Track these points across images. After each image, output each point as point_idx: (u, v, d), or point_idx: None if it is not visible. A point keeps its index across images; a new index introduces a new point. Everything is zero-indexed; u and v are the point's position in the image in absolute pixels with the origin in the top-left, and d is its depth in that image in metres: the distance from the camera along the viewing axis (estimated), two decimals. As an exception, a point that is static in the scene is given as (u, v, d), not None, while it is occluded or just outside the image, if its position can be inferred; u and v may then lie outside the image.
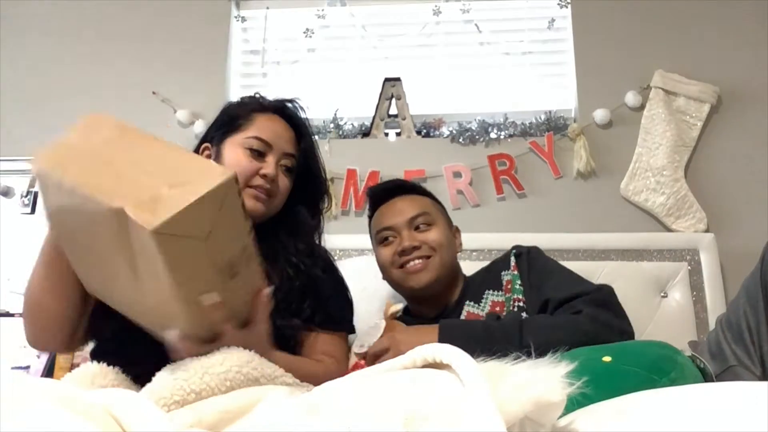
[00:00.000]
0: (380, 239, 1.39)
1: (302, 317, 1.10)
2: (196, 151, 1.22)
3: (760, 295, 1.01)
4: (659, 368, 0.85)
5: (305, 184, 1.23)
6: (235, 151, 1.15)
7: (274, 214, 1.18)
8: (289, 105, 1.24)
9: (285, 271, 1.11)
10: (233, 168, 1.12)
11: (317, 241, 1.27)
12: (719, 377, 1.03)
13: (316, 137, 2.28)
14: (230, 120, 1.19)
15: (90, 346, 1.09)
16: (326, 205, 1.30)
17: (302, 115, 1.25)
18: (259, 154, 1.14)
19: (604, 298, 1.13)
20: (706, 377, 0.92)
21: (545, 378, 0.49)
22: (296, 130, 1.22)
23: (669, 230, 2.12)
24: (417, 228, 1.36)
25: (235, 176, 0.77)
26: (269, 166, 1.14)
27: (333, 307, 1.16)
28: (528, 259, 1.31)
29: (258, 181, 1.13)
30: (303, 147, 1.22)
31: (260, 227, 1.19)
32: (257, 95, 1.27)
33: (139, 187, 0.74)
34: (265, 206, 1.15)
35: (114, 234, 0.74)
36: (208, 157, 1.19)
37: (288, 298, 1.08)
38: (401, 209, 1.38)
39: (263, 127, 1.17)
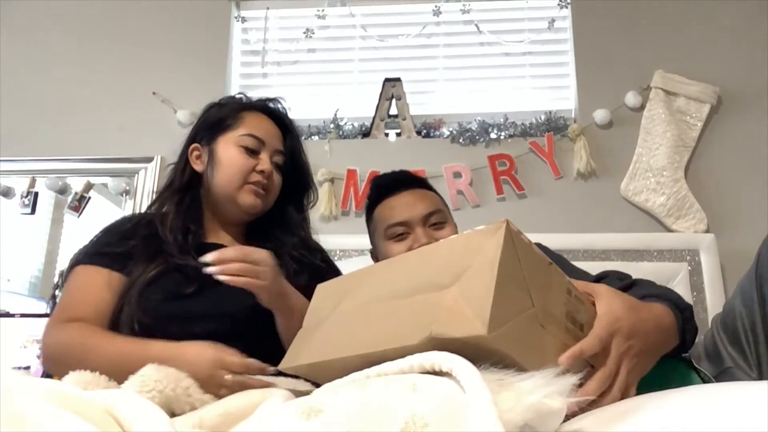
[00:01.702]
0: (391, 234, 1.27)
1: None
2: (185, 153, 1.22)
3: (755, 296, 1.00)
4: (663, 381, 0.86)
5: (292, 180, 1.25)
6: (229, 149, 1.17)
7: (265, 212, 1.21)
8: (271, 104, 1.27)
9: (292, 266, 1.12)
10: (230, 166, 1.14)
11: (307, 234, 1.28)
12: (716, 379, 1.03)
13: (317, 137, 2.31)
14: (219, 120, 1.21)
15: None
16: (312, 199, 1.31)
17: (285, 111, 1.28)
18: (252, 152, 1.17)
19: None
20: None
21: (546, 386, 0.49)
22: (282, 127, 1.25)
23: (669, 231, 2.12)
24: (431, 225, 1.26)
25: (508, 222, 0.66)
26: (264, 162, 1.17)
27: None
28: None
29: (255, 177, 1.15)
30: (289, 143, 1.24)
31: (252, 226, 1.21)
32: (238, 95, 1.29)
33: (419, 313, 0.65)
34: (263, 202, 1.18)
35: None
36: (199, 158, 1.20)
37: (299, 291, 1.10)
38: (413, 204, 1.27)
39: (254, 124, 1.20)
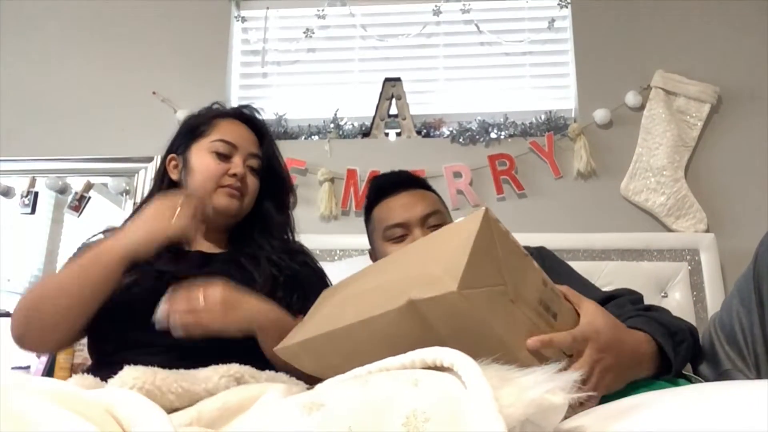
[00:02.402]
0: (389, 236, 1.26)
1: (293, 311, 1.11)
2: (162, 163, 1.24)
3: (753, 296, 1.00)
4: (660, 385, 0.87)
5: (270, 184, 1.26)
6: (201, 155, 1.18)
7: (244, 215, 1.22)
8: (246, 110, 1.28)
9: (269, 270, 1.13)
10: (203, 172, 1.16)
11: (290, 237, 1.29)
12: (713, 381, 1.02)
13: (317, 137, 2.31)
14: (193, 129, 1.23)
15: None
16: (292, 202, 1.31)
17: (260, 117, 1.30)
18: (225, 157, 1.18)
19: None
20: None
21: (547, 381, 0.49)
22: (257, 132, 1.26)
23: (669, 230, 2.12)
24: (429, 227, 1.24)
25: (487, 209, 0.73)
26: (237, 165, 1.17)
27: (311, 296, 1.15)
28: (541, 258, 1.25)
29: (228, 180, 1.16)
30: (266, 148, 1.25)
31: (234, 232, 1.22)
32: (215, 105, 1.31)
33: (401, 287, 0.71)
34: (239, 203, 1.18)
35: (412, 332, 0.69)
36: (176, 167, 1.22)
37: (277, 295, 1.10)
38: (412, 204, 1.26)
39: (226, 130, 1.21)
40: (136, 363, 0.85)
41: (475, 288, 0.64)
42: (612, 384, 0.78)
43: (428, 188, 1.36)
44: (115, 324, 1.03)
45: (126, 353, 0.99)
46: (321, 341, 0.77)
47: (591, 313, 0.78)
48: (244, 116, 1.27)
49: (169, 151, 1.25)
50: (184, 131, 1.24)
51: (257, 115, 1.29)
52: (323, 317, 0.84)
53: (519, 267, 0.73)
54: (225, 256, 1.17)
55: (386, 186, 1.33)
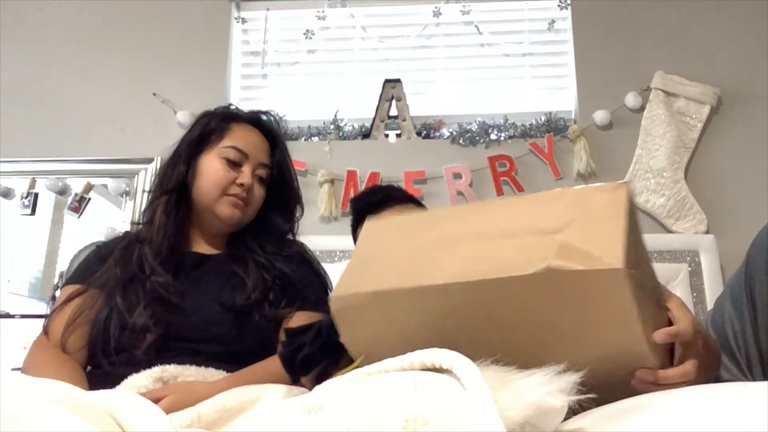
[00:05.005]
0: None
1: (284, 313, 1.11)
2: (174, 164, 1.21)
3: (744, 299, 0.99)
4: None
5: (278, 195, 1.25)
6: (211, 160, 1.17)
7: (247, 223, 1.21)
8: (264, 117, 1.26)
9: (258, 273, 1.13)
10: (210, 177, 1.14)
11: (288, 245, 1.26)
12: None
13: (317, 138, 2.32)
14: (207, 132, 1.20)
15: None
16: (299, 214, 1.30)
17: (277, 126, 1.28)
18: (234, 165, 1.16)
19: None
20: None
21: (547, 384, 0.49)
22: (271, 141, 1.24)
23: (669, 231, 2.12)
24: None
25: (628, 184, 0.68)
26: (245, 175, 1.16)
27: (309, 293, 1.16)
28: None
29: (234, 189, 1.15)
30: (277, 158, 1.24)
31: (234, 236, 1.21)
32: (232, 106, 1.29)
33: (526, 251, 0.64)
34: (242, 213, 1.17)
35: (517, 306, 0.64)
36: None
37: (267, 296, 1.10)
38: None
39: (239, 137, 1.19)
40: (125, 375, 0.89)
41: (630, 267, 0.60)
42: (701, 378, 0.74)
43: (405, 200, 1.34)
44: (110, 342, 1.03)
45: (120, 367, 1.00)
46: (406, 295, 0.67)
47: (682, 305, 0.74)
48: (260, 123, 1.24)
49: (178, 150, 1.21)
50: (198, 133, 1.21)
51: (274, 123, 1.26)
52: (404, 266, 0.71)
53: (643, 253, 0.68)
54: (219, 258, 1.18)
55: (364, 208, 1.32)
